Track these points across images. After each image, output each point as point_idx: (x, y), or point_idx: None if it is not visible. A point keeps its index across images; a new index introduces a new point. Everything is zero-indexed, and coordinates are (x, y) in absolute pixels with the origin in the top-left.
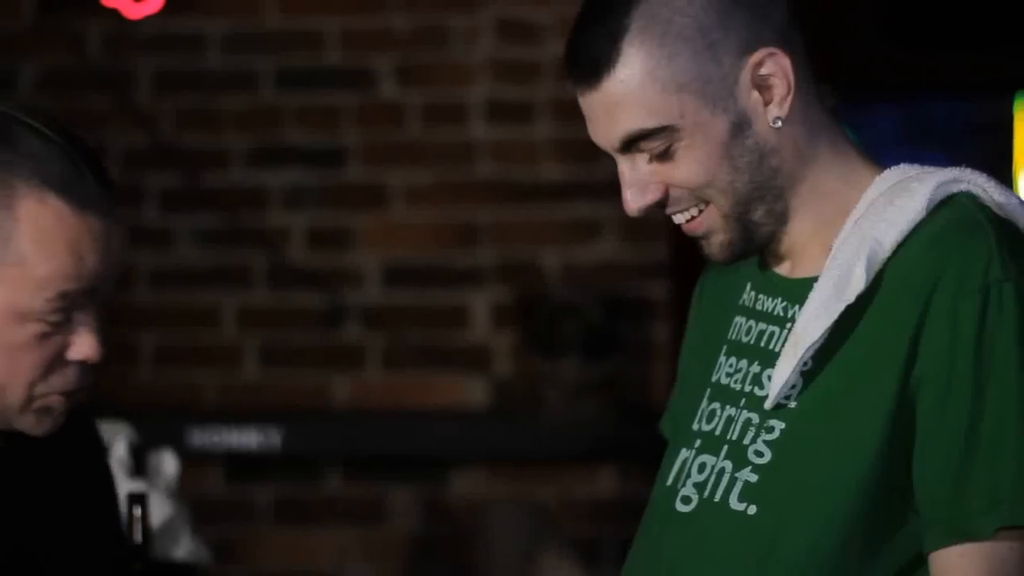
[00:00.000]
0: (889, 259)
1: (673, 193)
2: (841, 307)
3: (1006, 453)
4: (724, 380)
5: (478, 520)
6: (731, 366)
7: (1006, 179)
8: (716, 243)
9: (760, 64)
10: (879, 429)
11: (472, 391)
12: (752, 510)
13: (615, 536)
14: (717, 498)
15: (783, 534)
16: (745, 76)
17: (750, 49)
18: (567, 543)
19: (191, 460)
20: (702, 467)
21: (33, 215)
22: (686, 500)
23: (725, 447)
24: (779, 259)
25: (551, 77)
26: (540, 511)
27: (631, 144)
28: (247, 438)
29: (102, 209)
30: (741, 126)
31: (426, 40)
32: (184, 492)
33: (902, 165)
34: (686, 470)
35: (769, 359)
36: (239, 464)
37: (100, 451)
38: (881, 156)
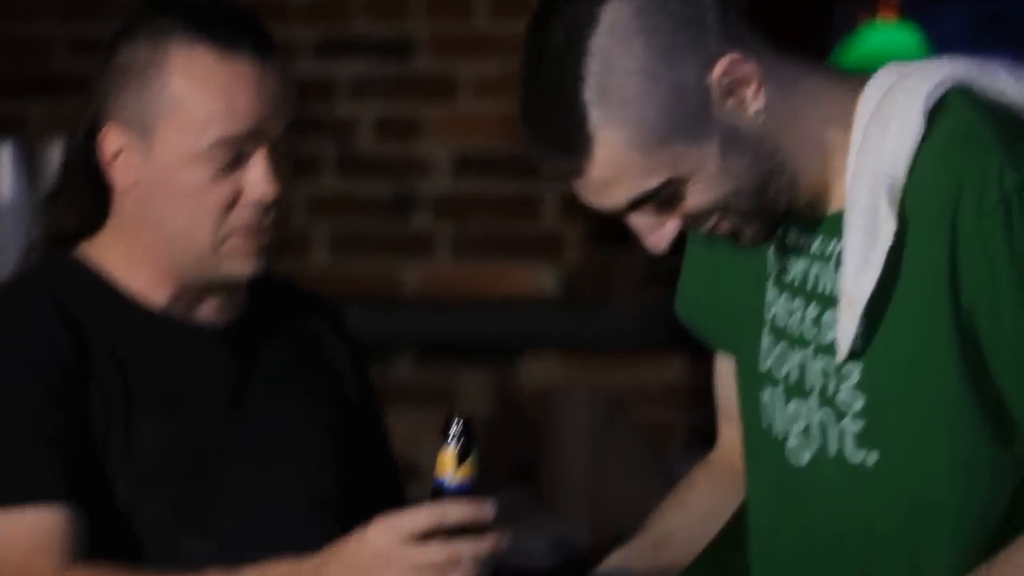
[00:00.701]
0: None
1: (690, 219)
2: (881, 255)
3: None
4: (781, 321)
5: (548, 408)
6: (785, 305)
7: None
8: (748, 236)
9: (723, 74)
10: (951, 357)
11: (542, 280)
12: (871, 460)
13: (685, 423)
14: (832, 452)
15: (911, 479)
16: (714, 93)
17: (706, 67)
18: (637, 431)
19: None
20: (796, 416)
21: (184, 64)
22: (798, 451)
23: (813, 397)
24: (801, 205)
25: None
26: (610, 399)
27: (636, 206)
28: None
29: (252, 53)
30: (730, 137)
31: None
32: None
33: (878, 75)
34: (780, 416)
35: (824, 302)
36: None
37: (350, 342)
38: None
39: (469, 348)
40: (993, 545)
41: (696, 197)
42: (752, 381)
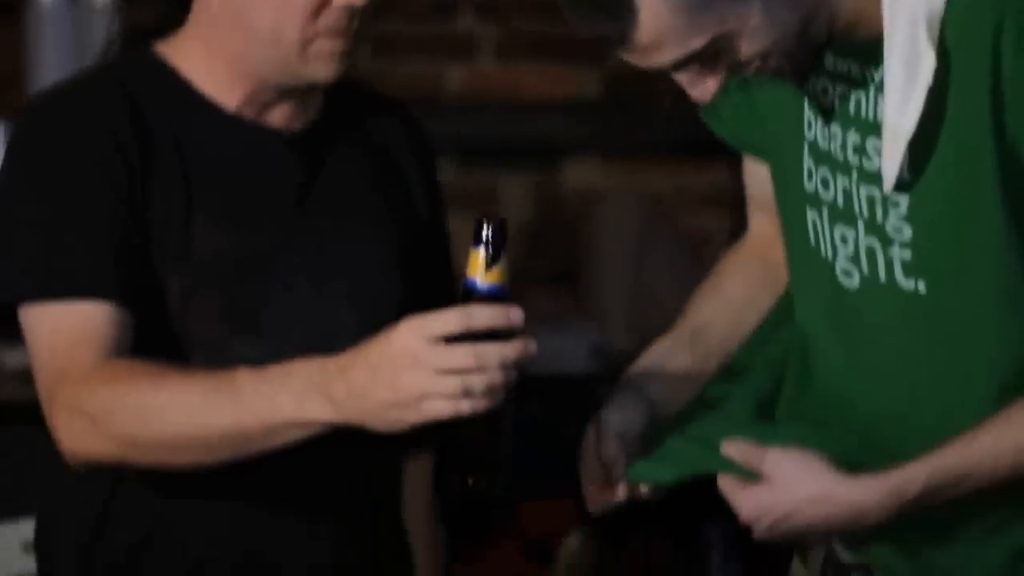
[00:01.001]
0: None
1: (735, 69)
2: (922, 92)
3: None
4: (823, 144)
5: (590, 212)
6: (823, 129)
7: None
8: (790, 73)
9: None
10: (995, 191)
11: (587, 82)
12: (923, 287)
13: (728, 228)
14: (883, 278)
15: (959, 308)
16: None
17: None
18: (680, 236)
19: None
20: (844, 239)
21: None
22: (847, 274)
23: (860, 223)
24: (838, 31)
25: None
26: (652, 203)
27: (683, 65)
28: None
29: None
30: None
31: None
32: None
33: None
34: (827, 237)
35: (865, 128)
36: None
37: (424, 149)
38: None
39: (511, 151)
40: None
41: (742, 51)
42: (796, 200)
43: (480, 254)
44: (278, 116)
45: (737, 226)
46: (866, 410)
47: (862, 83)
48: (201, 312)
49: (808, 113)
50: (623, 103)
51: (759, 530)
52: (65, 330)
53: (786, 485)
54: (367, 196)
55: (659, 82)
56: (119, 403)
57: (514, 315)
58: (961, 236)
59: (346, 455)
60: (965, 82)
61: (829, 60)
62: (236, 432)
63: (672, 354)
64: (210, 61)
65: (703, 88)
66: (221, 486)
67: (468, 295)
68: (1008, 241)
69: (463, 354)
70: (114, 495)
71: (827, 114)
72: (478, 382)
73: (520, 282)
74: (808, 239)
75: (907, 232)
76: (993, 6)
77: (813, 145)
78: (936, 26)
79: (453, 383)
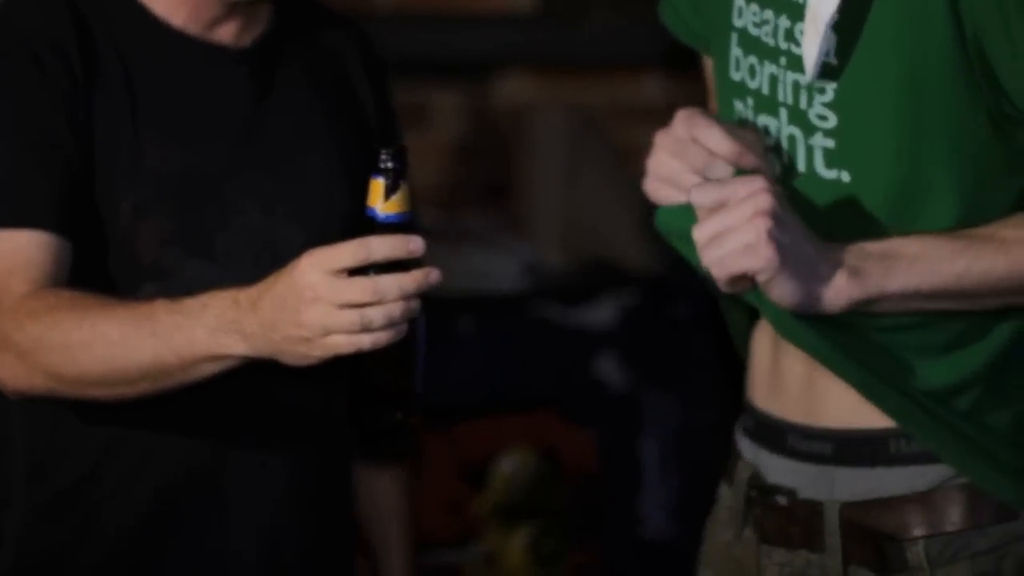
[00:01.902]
0: None
1: None
2: None
3: None
4: (753, 30)
5: (522, 127)
6: (755, 15)
7: None
8: None
9: None
10: (942, 73)
11: None
12: (846, 177)
13: None
14: (802, 168)
15: (883, 196)
16: None
17: None
18: (613, 150)
19: None
20: (767, 130)
21: None
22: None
23: (783, 111)
24: None
25: None
26: (585, 117)
27: None
28: None
29: None
30: None
31: None
32: None
33: None
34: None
35: (796, 12)
36: None
37: (375, 65)
38: None
39: (442, 66)
40: None
41: None
42: (725, 91)
43: (380, 183)
44: (226, 32)
45: None
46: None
47: None
48: (152, 235)
49: (739, 1)
50: (555, 16)
51: (708, 257)
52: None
53: (737, 201)
54: (317, 113)
55: None
56: (43, 338)
57: (414, 245)
58: (894, 125)
59: (289, 385)
60: None
61: None
62: (155, 366)
63: None
64: None
65: None
66: (170, 417)
67: (370, 225)
68: (961, 130)
69: (361, 287)
70: (58, 426)
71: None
72: (377, 315)
73: (452, 199)
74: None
75: (832, 120)
76: None
77: (743, 32)
78: None
79: (353, 317)
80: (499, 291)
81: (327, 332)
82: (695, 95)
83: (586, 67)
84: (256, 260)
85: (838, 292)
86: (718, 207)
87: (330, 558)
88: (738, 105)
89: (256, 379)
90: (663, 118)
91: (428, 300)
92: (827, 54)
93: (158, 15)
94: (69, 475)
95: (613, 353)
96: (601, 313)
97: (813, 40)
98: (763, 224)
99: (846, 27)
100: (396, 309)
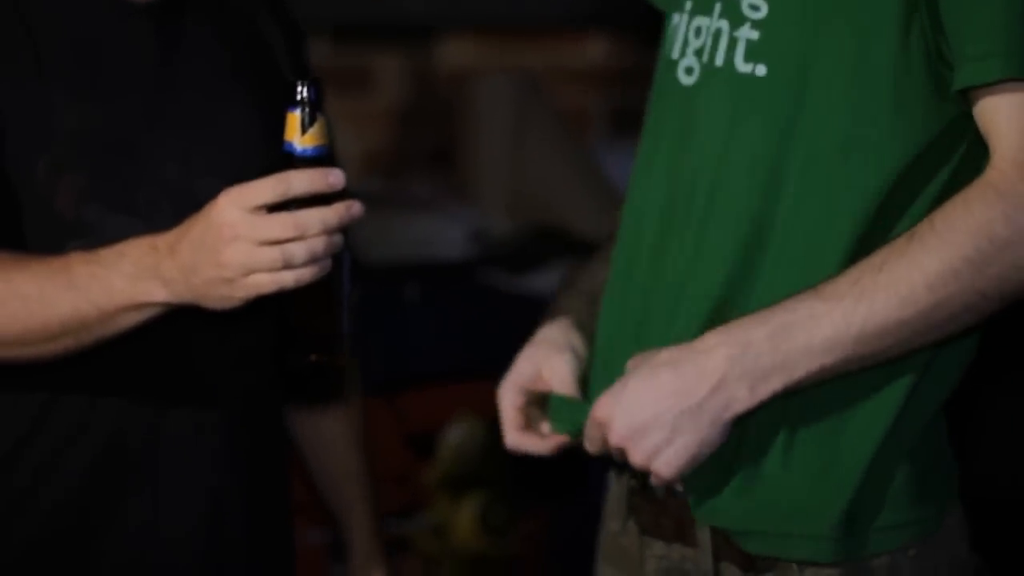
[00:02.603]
0: None
1: None
2: None
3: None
4: None
5: (465, 91)
6: None
7: None
8: None
9: None
10: None
11: None
12: (761, 71)
13: (606, 107)
14: (720, 62)
15: (801, 95)
16: None
17: None
18: (558, 115)
19: None
20: (698, 31)
21: None
22: (688, 71)
23: (718, 5)
24: None
25: None
26: (529, 81)
27: None
28: None
29: None
30: None
31: None
32: None
33: None
34: (682, 36)
35: None
36: None
37: (286, 18)
38: None
39: (384, 29)
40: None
41: None
42: (669, 9)
43: (296, 116)
44: None
45: (614, 105)
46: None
47: None
48: (70, 192)
49: None
50: None
51: (634, 455)
52: None
53: (633, 396)
54: (229, 66)
55: None
56: None
57: (333, 178)
58: (822, 21)
59: (214, 337)
60: None
61: None
62: (74, 319)
63: (578, 314)
64: None
65: None
66: (101, 380)
67: (288, 160)
68: (883, 30)
69: (281, 223)
70: None
71: None
72: (299, 250)
73: (395, 165)
74: (667, 53)
75: (762, 11)
76: None
77: None
78: None
79: (274, 254)
80: (445, 258)
81: (248, 271)
82: (640, 58)
83: (529, 30)
84: (178, 213)
85: (732, 414)
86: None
87: (271, 519)
88: (675, 19)
89: (181, 331)
90: (607, 81)
91: (348, 243)
92: None
93: None
94: (4, 441)
95: None
96: (548, 279)
97: None
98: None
99: None
100: (318, 244)
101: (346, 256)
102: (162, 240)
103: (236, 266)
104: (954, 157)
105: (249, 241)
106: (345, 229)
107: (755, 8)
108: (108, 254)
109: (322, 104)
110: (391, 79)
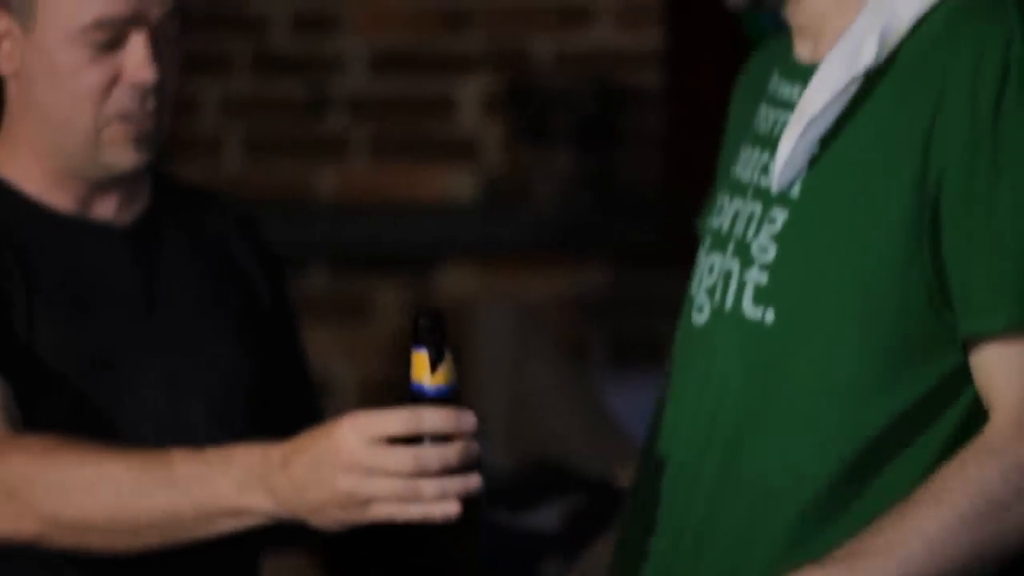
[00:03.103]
0: (905, 37)
1: None
2: (847, 77)
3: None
4: (738, 172)
5: (466, 322)
6: (747, 157)
7: None
8: None
9: None
10: (895, 221)
11: (460, 183)
12: (769, 317)
13: (606, 335)
14: (729, 305)
15: (803, 342)
16: None
17: None
18: (558, 347)
19: None
20: (711, 268)
21: None
22: (699, 309)
23: (731, 244)
24: (804, 42)
25: None
26: (531, 311)
27: None
28: None
29: None
30: None
31: None
32: None
33: None
34: (698, 273)
35: (776, 145)
36: None
37: (257, 239)
38: None
39: (385, 256)
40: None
41: None
42: (702, 237)
43: (423, 356)
44: (104, 209)
45: (614, 333)
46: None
47: (795, 107)
48: (51, 416)
49: (745, 150)
50: (497, 204)
51: None
52: None
53: None
54: (207, 287)
55: (532, 181)
56: (39, 475)
57: (466, 422)
58: (827, 268)
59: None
60: (903, 101)
61: (781, 86)
62: (168, 516)
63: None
64: (27, 160)
65: None
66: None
67: (417, 400)
68: (888, 281)
69: (402, 457)
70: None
71: (756, 140)
72: (429, 486)
73: (395, 396)
74: (689, 287)
75: (770, 254)
76: (958, 30)
77: (731, 178)
78: (892, 35)
79: (394, 485)
80: None
81: (365, 500)
82: (639, 283)
83: (529, 256)
84: (160, 437)
85: None
86: None
87: None
88: (700, 253)
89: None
90: (608, 310)
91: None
92: (793, 178)
93: (35, 197)
94: None
95: (558, 558)
96: (549, 517)
97: (789, 139)
98: None
99: (822, 157)
100: (453, 483)
101: (483, 494)
102: (276, 450)
103: (351, 493)
104: (958, 404)
105: (366, 471)
106: (481, 469)
107: (764, 250)
108: (215, 455)
109: (446, 338)
110: (391, 308)
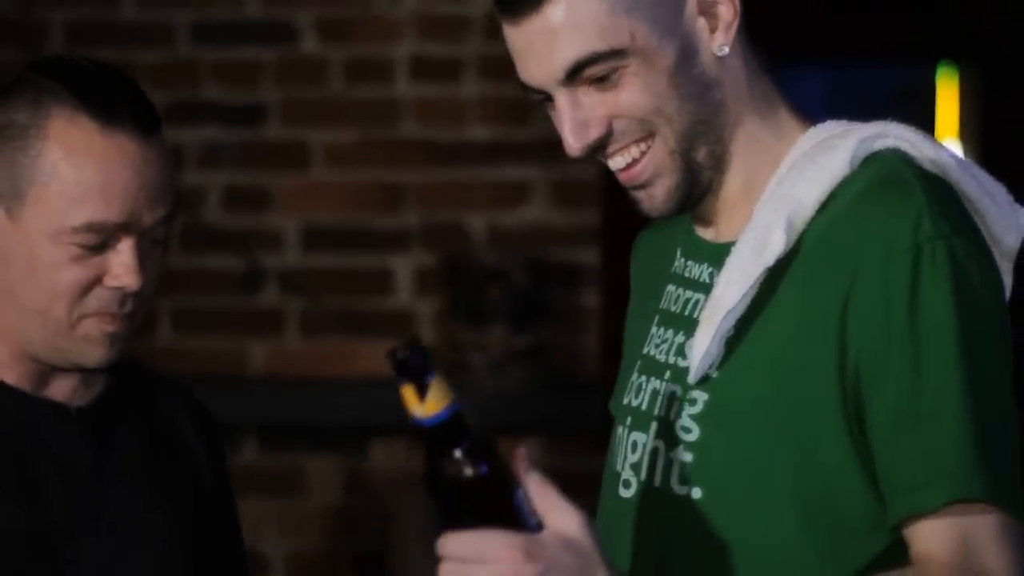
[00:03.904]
0: (812, 220)
1: (617, 126)
2: (759, 271)
3: (949, 423)
4: (652, 352)
5: (399, 497)
6: (659, 337)
7: None
8: (661, 190)
9: None
10: (818, 401)
11: None
12: (697, 493)
13: None
14: (657, 482)
15: (735, 517)
16: (692, 1)
17: None
18: None
19: None
20: (634, 446)
21: (63, 133)
22: (627, 484)
23: (654, 424)
24: (708, 222)
25: (479, 33)
26: None
27: (576, 73)
28: None
29: (135, 131)
30: (688, 53)
31: None
32: None
33: (828, 123)
34: (622, 450)
35: (693, 328)
36: None
37: (205, 422)
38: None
39: (317, 430)
40: None
41: (634, 92)
42: (616, 421)
43: (409, 387)
44: (60, 390)
45: None
46: None
47: (705, 288)
48: None
49: (653, 329)
50: None
51: None
52: None
53: None
54: (154, 472)
55: (467, 357)
56: None
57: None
58: (748, 447)
59: None
60: (814, 286)
61: (688, 266)
62: None
63: None
64: None
65: (580, 128)
66: None
67: (418, 430)
68: (809, 457)
69: None
70: None
71: (667, 319)
72: None
73: (327, 568)
74: (611, 463)
75: (694, 434)
76: (867, 212)
77: (644, 356)
78: (799, 220)
79: None
80: None
81: None
82: (574, 461)
83: None
84: None
85: None
86: None
87: None
88: (618, 431)
89: None
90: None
91: None
92: (710, 366)
93: None
94: None
95: None
96: None
97: (705, 333)
98: None
99: (734, 341)
100: None
101: None
102: None
103: None
104: None
105: None
106: None
107: (687, 431)
108: None
109: (431, 364)
110: (323, 481)
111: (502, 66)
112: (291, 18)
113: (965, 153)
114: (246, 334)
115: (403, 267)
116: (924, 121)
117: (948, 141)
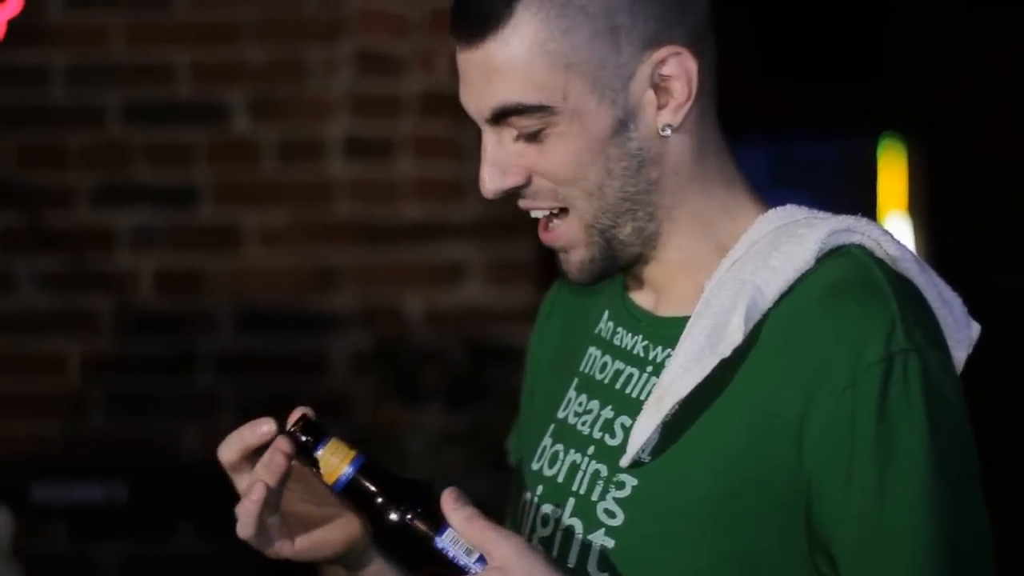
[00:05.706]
0: (771, 310)
1: (535, 183)
2: (715, 361)
3: (919, 547)
4: (571, 420)
5: None
6: (580, 405)
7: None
8: (575, 259)
9: (663, 62)
10: (760, 511)
11: None
12: None
13: None
14: (572, 563)
15: None
16: (644, 71)
17: (656, 44)
18: None
19: (32, 515)
20: (545, 519)
21: None
22: None
23: (572, 501)
24: (643, 289)
25: (413, 112)
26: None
27: (502, 117)
28: (92, 492)
29: None
30: (626, 124)
31: (282, 72)
32: (24, 550)
33: (789, 206)
34: (529, 520)
35: (625, 405)
36: (83, 520)
37: None
38: None
39: None
40: None
41: (557, 156)
42: (519, 480)
43: (304, 463)
44: None
45: None
46: None
47: (639, 362)
48: None
49: (571, 393)
50: None
51: None
52: None
53: None
54: None
55: (404, 439)
56: None
57: None
58: (673, 542)
59: None
60: (772, 382)
61: (618, 333)
62: None
63: None
64: None
65: (496, 175)
66: None
67: (334, 492)
68: (738, 563)
69: None
70: None
71: (590, 387)
72: None
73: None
74: (516, 525)
75: (617, 519)
76: (836, 315)
77: (560, 422)
78: (757, 311)
79: None
80: None
81: None
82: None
83: None
84: None
85: None
86: None
87: None
88: (526, 495)
89: None
90: None
91: None
92: (643, 449)
93: None
94: None
95: None
96: None
97: (650, 419)
98: None
99: (674, 427)
100: None
101: None
102: None
103: None
104: None
105: None
106: None
107: (611, 515)
108: None
109: (309, 438)
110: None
111: (436, 145)
112: (223, 98)
113: (912, 226)
114: (180, 418)
115: (338, 349)
116: (866, 195)
117: (894, 213)
